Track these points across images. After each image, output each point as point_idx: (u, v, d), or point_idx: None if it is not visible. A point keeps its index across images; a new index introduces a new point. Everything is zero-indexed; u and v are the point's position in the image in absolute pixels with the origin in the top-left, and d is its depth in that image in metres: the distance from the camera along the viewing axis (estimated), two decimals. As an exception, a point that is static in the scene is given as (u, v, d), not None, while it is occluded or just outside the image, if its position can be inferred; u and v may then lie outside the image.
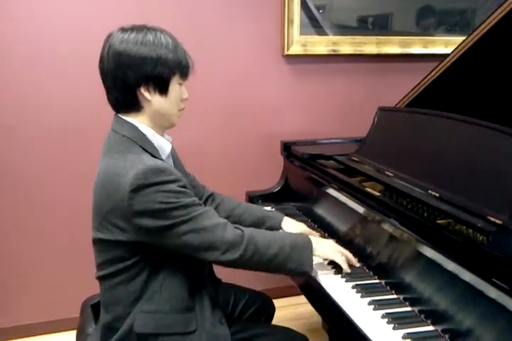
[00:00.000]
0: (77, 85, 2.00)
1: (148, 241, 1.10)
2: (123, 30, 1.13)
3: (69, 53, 1.97)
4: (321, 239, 1.38)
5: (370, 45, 2.30)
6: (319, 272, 1.29)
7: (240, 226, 1.18)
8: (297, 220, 1.65)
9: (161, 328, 1.14)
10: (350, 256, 1.31)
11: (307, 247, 1.21)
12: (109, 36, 1.13)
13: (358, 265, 1.31)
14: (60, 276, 2.17)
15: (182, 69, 1.15)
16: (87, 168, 2.05)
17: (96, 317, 1.33)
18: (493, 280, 0.90)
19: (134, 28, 1.13)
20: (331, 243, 1.32)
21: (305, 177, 1.77)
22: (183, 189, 1.10)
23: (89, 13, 1.96)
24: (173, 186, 1.07)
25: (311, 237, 1.27)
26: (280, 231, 1.27)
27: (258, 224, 1.44)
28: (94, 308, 1.38)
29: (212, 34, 2.11)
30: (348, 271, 1.27)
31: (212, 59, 2.11)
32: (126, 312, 1.15)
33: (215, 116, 2.20)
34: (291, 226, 1.46)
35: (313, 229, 1.55)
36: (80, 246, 2.14)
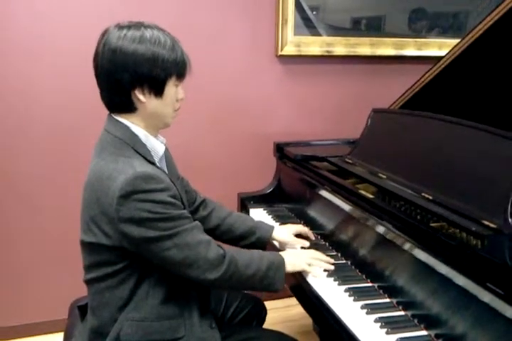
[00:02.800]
0: (76, 83, 1.97)
1: (131, 249, 1.08)
2: (119, 27, 1.08)
3: (69, 51, 1.95)
4: (292, 251, 1.38)
5: (364, 46, 2.30)
6: (311, 275, 1.28)
7: (222, 246, 1.16)
8: (289, 222, 1.65)
9: (148, 336, 1.12)
10: (321, 263, 1.31)
11: (281, 265, 1.22)
12: (105, 33, 1.09)
13: (332, 268, 1.30)
14: (48, 278, 2.14)
15: (179, 70, 1.11)
16: (81, 167, 2.04)
17: (82, 318, 1.31)
18: (488, 284, 0.89)
19: (130, 26, 1.08)
20: (300, 254, 1.34)
21: (298, 178, 1.76)
22: (172, 199, 1.07)
23: (88, 10, 1.94)
24: (162, 196, 1.05)
25: (283, 252, 1.28)
26: (257, 250, 1.28)
27: (249, 233, 1.42)
28: (81, 310, 1.35)
29: (206, 34, 2.10)
30: (316, 276, 1.27)
31: (205, 59, 2.10)
32: (113, 318, 1.13)
33: (207, 116, 2.18)
34: (282, 234, 1.45)
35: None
36: (70, 248, 2.11)
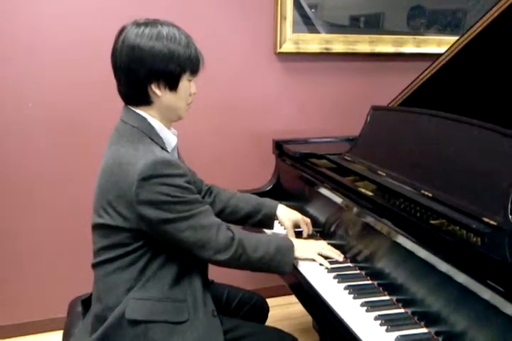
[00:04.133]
0: (75, 81, 1.97)
1: (148, 231, 1.12)
2: (137, 24, 1.13)
3: (69, 48, 1.94)
4: (302, 240, 1.42)
5: (363, 43, 2.29)
6: (311, 272, 1.28)
7: (231, 228, 1.21)
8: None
9: (152, 315, 1.14)
10: (331, 253, 1.36)
11: (289, 250, 1.28)
12: (123, 30, 1.14)
13: (340, 259, 1.35)
14: (47, 276, 2.14)
15: (193, 66, 1.17)
16: (80, 165, 2.04)
17: (83, 315, 1.32)
18: (488, 282, 0.88)
19: (148, 23, 1.14)
20: (311, 243, 1.39)
21: (297, 176, 1.75)
22: (188, 185, 1.13)
23: (89, 8, 1.93)
24: (179, 181, 1.10)
25: (294, 239, 1.35)
26: (266, 234, 1.34)
27: (254, 212, 1.47)
28: (83, 306, 1.35)
29: (204, 31, 2.08)
30: (328, 266, 1.31)
31: (204, 56, 2.08)
32: (119, 302, 1.15)
33: (206, 115, 2.17)
34: (286, 213, 1.49)
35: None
36: (69, 247, 2.12)
